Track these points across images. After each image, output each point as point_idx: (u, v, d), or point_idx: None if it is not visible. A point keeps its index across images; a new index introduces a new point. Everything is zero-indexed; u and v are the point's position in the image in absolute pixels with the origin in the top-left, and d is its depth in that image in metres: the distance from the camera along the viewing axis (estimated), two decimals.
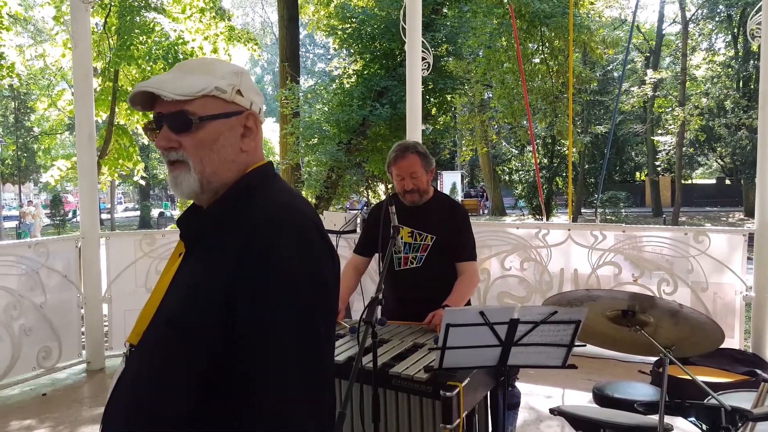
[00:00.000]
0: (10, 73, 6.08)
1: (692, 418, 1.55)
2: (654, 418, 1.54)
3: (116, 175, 6.76)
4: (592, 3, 12.76)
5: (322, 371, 0.77)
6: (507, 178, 19.78)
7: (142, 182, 9.79)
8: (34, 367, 3.22)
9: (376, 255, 2.18)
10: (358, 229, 3.89)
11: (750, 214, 15.70)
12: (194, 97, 0.79)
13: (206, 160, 0.81)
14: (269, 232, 0.76)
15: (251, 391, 0.72)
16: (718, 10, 17.70)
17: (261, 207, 0.80)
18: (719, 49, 19.06)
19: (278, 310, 0.73)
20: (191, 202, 0.91)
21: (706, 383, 1.53)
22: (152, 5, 6.28)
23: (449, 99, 10.26)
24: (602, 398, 1.92)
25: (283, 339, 0.72)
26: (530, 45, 10.63)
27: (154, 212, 22.56)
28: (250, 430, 0.71)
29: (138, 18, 6.04)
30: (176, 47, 6.01)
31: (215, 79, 0.81)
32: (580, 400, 2.79)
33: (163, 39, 6.12)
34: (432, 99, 9.57)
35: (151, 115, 0.84)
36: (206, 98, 0.80)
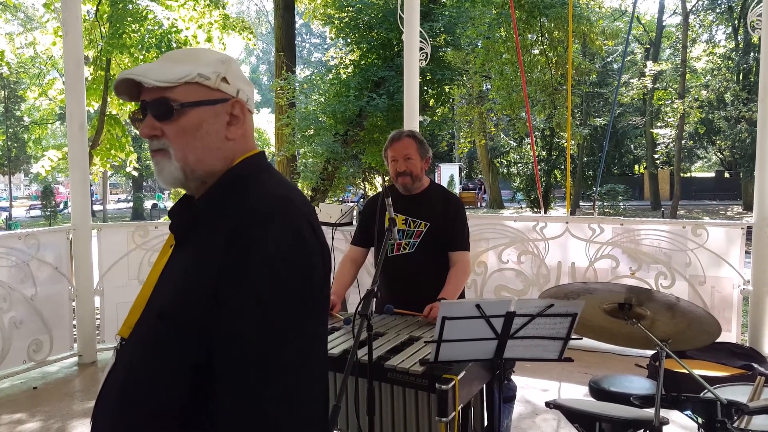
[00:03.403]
0: (0, 62, 5.98)
1: (688, 412, 1.54)
2: (650, 412, 1.52)
3: (108, 165, 6.69)
4: None
5: (315, 362, 0.75)
6: (505, 170, 19.75)
7: (135, 173, 9.71)
8: (25, 360, 3.20)
9: (373, 247, 2.16)
10: (355, 222, 3.85)
11: (749, 207, 15.74)
12: (176, 83, 0.78)
13: (188, 148, 0.80)
14: (258, 223, 0.75)
15: (232, 384, 0.71)
16: (719, 2, 17.58)
17: (251, 198, 0.79)
18: (720, 41, 18.97)
19: (263, 302, 0.72)
20: (183, 193, 0.90)
21: (702, 377, 1.52)
22: None
23: (447, 90, 10.19)
24: (598, 392, 1.91)
25: (272, 330, 0.71)
26: (529, 36, 10.54)
27: (147, 204, 22.48)
28: (241, 422, 0.70)
29: (130, 5, 5.94)
30: (169, 36, 5.93)
31: (199, 66, 0.80)
32: (577, 393, 2.79)
33: (156, 27, 6.03)
34: (430, 90, 9.50)
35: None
36: (189, 85, 0.79)
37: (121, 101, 6.20)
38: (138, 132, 0.84)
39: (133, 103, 0.84)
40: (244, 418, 0.70)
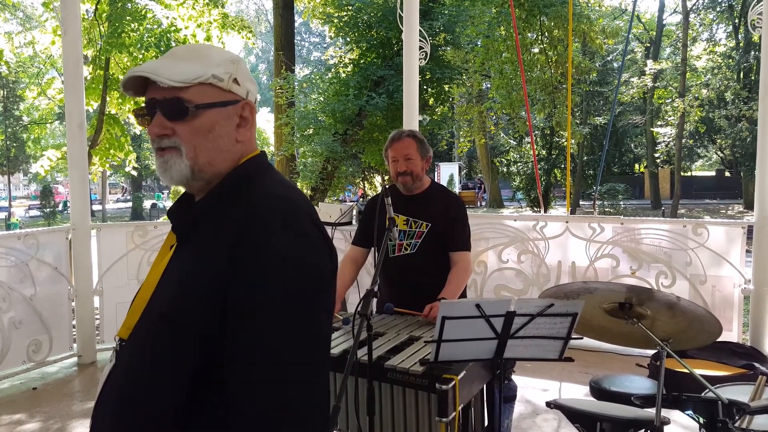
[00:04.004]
0: None
1: (689, 411, 1.54)
2: (651, 411, 1.52)
3: (107, 165, 6.68)
4: None
5: (319, 362, 0.76)
6: (505, 169, 19.74)
7: (134, 173, 9.72)
8: (24, 361, 3.19)
9: (374, 247, 2.15)
10: (354, 221, 3.85)
11: (750, 206, 15.73)
12: (191, 84, 0.78)
13: (200, 149, 0.79)
14: (263, 223, 0.75)
15: (246, 386, 0.70)
16: (719, 0, 17.55)
17: (255, 198, 0.79)
18: (720, 39, 18.96)
19: (274, 301, 0.72)
20: (182, 192, 0.89)
21: (703, 376, 1.51)
22: None
23: (447, 89, 10.19)
24: (599, 391, 1.90)
25: (278, 330, 0.71)
26: (529, 34, 10.53)
27: (147, 203, 22.48)
28: (244, 420, 0.70)
29: (129, 4, 5.93)
30: (168, 35, 5.92)
31: (211, 66, 0.80)
32: (577, 393, 2.78)
33: (155, 26, 6.02)
34: (429, 89, 9.50)
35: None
36: (203, 86, 0.79)
37: (119, 101, 6.18)
38: (139, 128, 0.83)
39: (134, 99, 0.83)
40: (257, 418, 0.70)
